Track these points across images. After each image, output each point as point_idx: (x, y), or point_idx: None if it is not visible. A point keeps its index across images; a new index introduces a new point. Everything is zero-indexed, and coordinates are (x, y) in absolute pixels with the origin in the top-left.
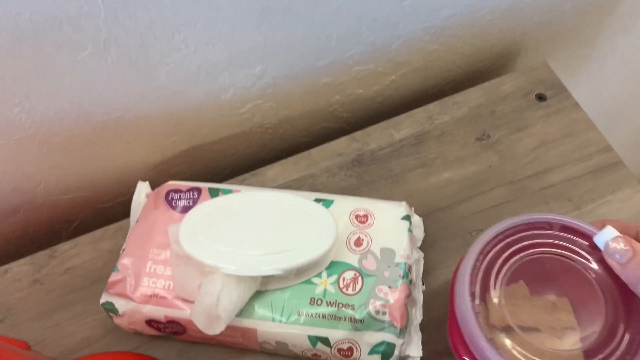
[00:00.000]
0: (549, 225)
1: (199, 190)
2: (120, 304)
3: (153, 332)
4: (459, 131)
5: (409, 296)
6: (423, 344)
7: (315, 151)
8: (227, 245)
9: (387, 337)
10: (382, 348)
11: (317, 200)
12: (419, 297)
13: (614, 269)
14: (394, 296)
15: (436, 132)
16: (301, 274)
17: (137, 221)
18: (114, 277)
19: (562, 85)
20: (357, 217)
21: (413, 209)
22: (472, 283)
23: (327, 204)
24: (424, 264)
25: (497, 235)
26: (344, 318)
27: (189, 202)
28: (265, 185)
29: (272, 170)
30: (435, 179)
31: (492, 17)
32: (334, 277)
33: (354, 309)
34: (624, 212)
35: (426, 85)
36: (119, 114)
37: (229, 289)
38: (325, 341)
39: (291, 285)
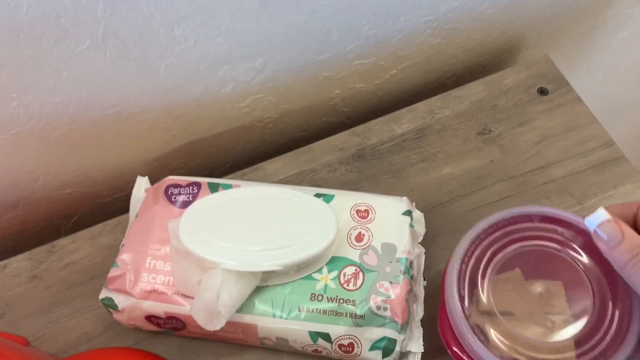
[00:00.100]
0: (529, 218)
1: (198, 185)
2: (120, 300)
3: (153, 327)
4: (461, 125)
5: (410, 292)
6: (424, 339)
7: (315, 146)
8: (227, 240)
9: (388, 332)
10: (383, 344)
11: (318, 195)
12: (420, 293)
13: (602, 252)
14: (395, 292)
15: (437, 127)
16: (302, 270)
17: (136, 216)
18: (113, 272)
19: (564, 79)
20: (358, 212)
21: (414, 204)
22: (461, 278)
23: (327, 199)
24: (425, 260)
25: (487, 229)
26: (344, 314)
27: (188, 197)
28: (265, 179)
29: (272, 165)
30: (437, 174)
31: (494, 10)
32: (334, 273)
33: (354, 304)
34: None
35: (427, 79)
36: (118, 108)
37: (229, 285)
38: (326, 337)
39: (292, 281)
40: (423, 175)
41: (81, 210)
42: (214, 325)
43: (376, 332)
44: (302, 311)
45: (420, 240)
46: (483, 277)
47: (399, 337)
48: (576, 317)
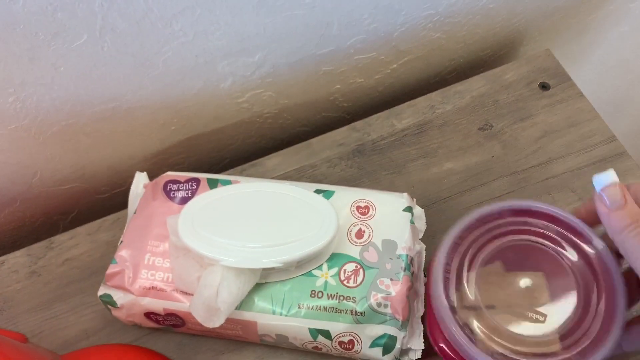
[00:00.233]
0: (515, 213)
1: (197, 181)
2: (119, 297)
3: (152, 324)
4: (462, 121)
5: (411, 288)
6: (425, 336)
7: (315, 141)
8: (226, 237)
9: (389, 329)
10: (383, 341)
11: (318, 192)
12: (421, 290)
13: (600, 214)
14: (396, 288)
15: (438, 122)
16: (302, 266)
17: (135, 212)
18: (111, 269)
19: (566, 74)
20: (358, 208)
21: (415, 200)
22: (446, 274)
23: (327, 195)
24: (426, 256)
25: (473, 223)
26: (345, 311)
27: (187, 193)
28: (264, 175)
29: (271, 161)
30: (437, 170)
31: (495, 4)
32: (334, 270)
33: (355, 301)
34: None
35: (428, 74)
36: (116, 104)
37: (228, 282)
38: (326, 334)
39: (291, 278)
40: (424, 171)
41: (79, 206)
42: (214, 322)
43: (376, 329)
44: (302, 308)
45: (421, 237)
46: (468, 271)
47: (399, 334)
48: (561, 311)
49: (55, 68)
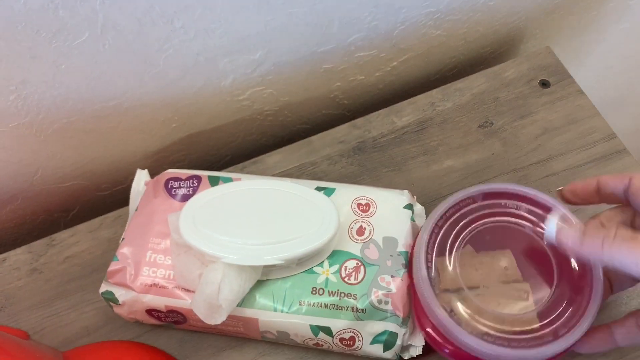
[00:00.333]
0: (498, 195)
1: (198, 178)
2: (120, 294)
3: (153, 321)
4: (462, 118)
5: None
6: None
7: (315, 138)
8: (228, 234)
9: (390, 326)
10: (384, 337)
11: (319, 189)
12: None
13: (577, 256)
14: (397, 285)
15: (438, 119)
16: (303, 264)
17: (136, 210)
18: (113, 266)
19: (566, 72)
20: (359, 205)
21: (415, 197)
22: (428, 264)
23: (328, 192)
24: None
25: (449, 209)
26: (346, 307)
27: (188, 191)
28: (265, 172)
29: (272, 158)
30: (438, 167)
31: (496, 1)
32: (335, 267)
33: (356, 298)
34: None
35: (428, 71)
36: (117, 101)
37: (230, 279)
38: (327, 331)
39: (293, 275)
40: (424, 168)
41: (80, 203)
42: (215, 319)
43: (377, 326)
44: (303, 305)
45: None
46: (449, 255)
47: (400, 331)
48: (538, 289)
49: (56, 66)
